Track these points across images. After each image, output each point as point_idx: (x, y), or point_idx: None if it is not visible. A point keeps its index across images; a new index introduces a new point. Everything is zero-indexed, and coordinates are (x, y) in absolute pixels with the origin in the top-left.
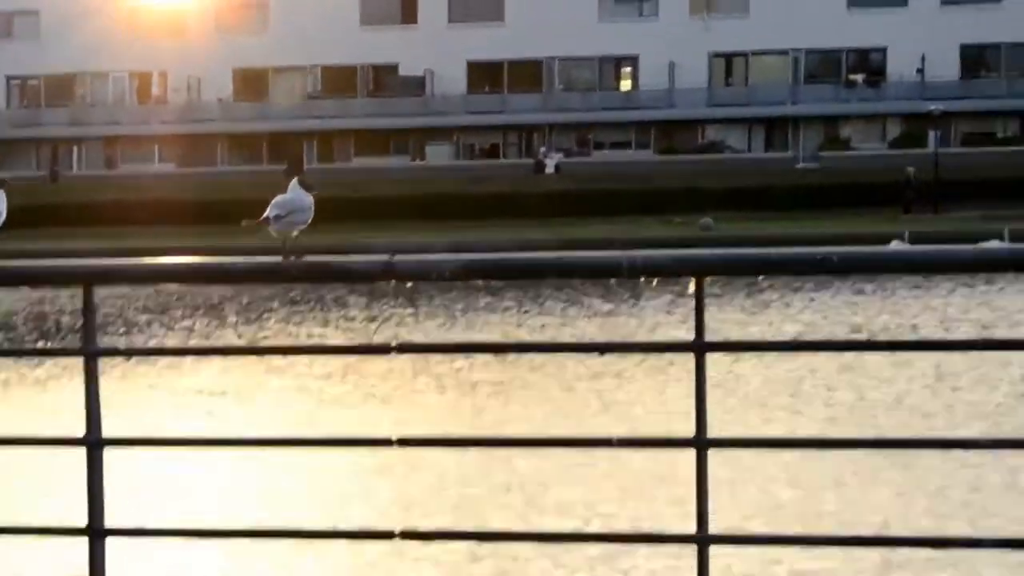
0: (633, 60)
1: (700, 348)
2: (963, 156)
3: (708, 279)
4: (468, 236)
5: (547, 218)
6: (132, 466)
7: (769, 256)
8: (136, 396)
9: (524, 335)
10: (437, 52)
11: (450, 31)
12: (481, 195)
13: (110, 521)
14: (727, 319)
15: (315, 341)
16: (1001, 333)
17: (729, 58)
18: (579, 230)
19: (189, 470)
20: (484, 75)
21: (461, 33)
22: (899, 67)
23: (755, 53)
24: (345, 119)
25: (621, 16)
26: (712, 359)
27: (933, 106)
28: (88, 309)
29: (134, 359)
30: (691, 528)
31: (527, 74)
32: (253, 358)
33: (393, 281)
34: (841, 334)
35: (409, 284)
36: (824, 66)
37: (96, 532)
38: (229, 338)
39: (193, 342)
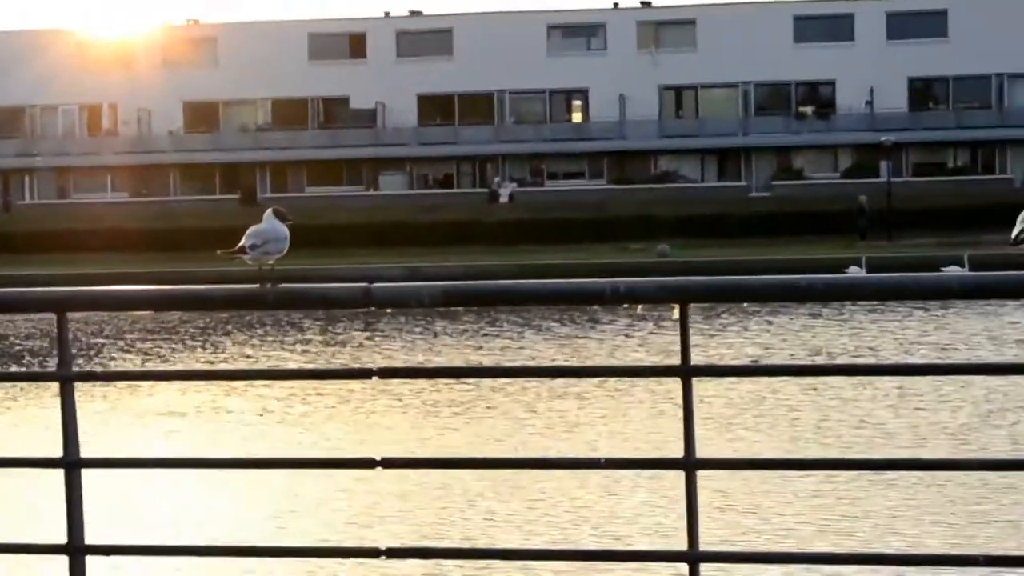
0: (583, 93)
1: (687, 373)
2: (915, 185)
3: (692, 305)
4: (423, 263)
5: (502, 246)
6: (110, 486)
7: (753, 283)
8: (100, 418)
9: (483, 358)
10: (387, 86)
11: (399, 65)
12: (436, 223)
13: (90, 539)
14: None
15: (277, 364)
16: (960, 356)
17: (678, 91)
18: (535, 258)
19: (166, 490)
20: (434, 108)
21: (410, 67)
22: (848, 99)
23: (704, 86)
24: (297, 150)
25: (570, 50)
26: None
27: (884, 137)
28: (62, 335)
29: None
30: (682, 546)
31: (477, 107)
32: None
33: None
34: (801, 355)
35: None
36: (774, 98)
37: (76, 550)
38: (190, 361)
39: (157, 365)
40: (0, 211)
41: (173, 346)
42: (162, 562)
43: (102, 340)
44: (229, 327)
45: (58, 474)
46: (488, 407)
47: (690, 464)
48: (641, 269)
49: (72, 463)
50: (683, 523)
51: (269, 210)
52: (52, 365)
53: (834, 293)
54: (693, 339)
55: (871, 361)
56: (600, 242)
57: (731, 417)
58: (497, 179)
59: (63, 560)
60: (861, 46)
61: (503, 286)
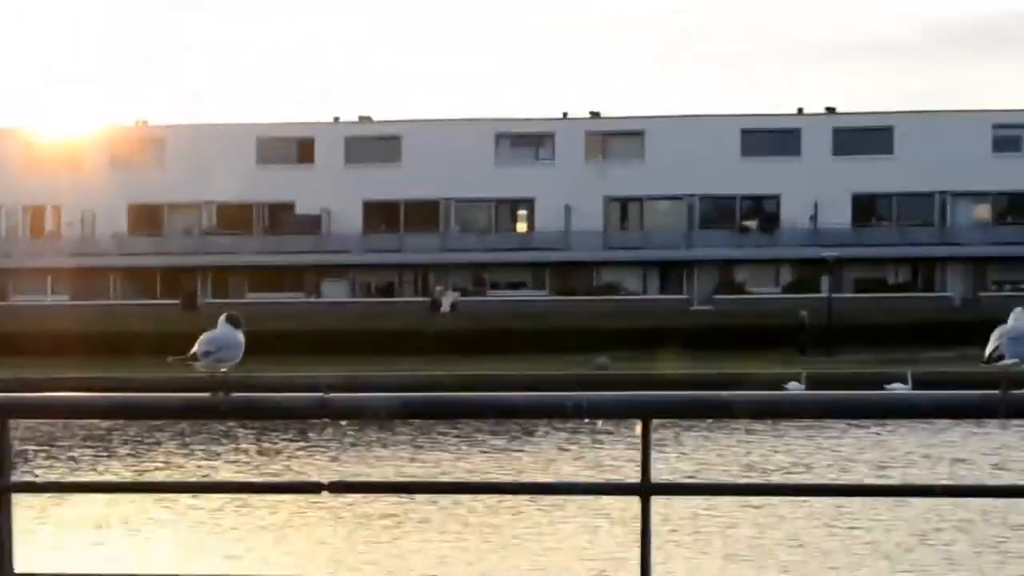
0: (529, 203)
1: (646, 491)
2: (855, 301)
3: (655, 421)
4: (362, 371)
5: (442, 355)
6: None
7: (718, 398)
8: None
9: (417, 470)
10: (333, 191)
11: (347, 171)
12: (377, 332)
13: None
14: (619, 456)
15: (208, 474)
16: (893, 471)
17: (624, 202)
18: (474, 367)
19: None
20: (380, 214)
21: (358, 173)
22: (792, 214)
23: (650, 198)
24: (240, 255)
25: (517, 160)
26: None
27: (826, 253)
28: (3, 442)
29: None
30: None
31: (423, 214)
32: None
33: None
34: (735, 471)
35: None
36: (718, 212)
37: None
38: (119, 470)
39: (87, 474)
40: None
41: (99, 454)
42: None
43: (25, 446)
44: (159, 434)
45: None
46: (420, 521)
47: None
48: (582, 382)
49: None
50: None
51: (223, 316)
52: None
53: (802, 410)
54: (624, 453)
55: (837, 482)
56: (541, 353)
57: (666, 535)
58: (439, 288)
59: None
60: (807, 160)
61: (463, 399)
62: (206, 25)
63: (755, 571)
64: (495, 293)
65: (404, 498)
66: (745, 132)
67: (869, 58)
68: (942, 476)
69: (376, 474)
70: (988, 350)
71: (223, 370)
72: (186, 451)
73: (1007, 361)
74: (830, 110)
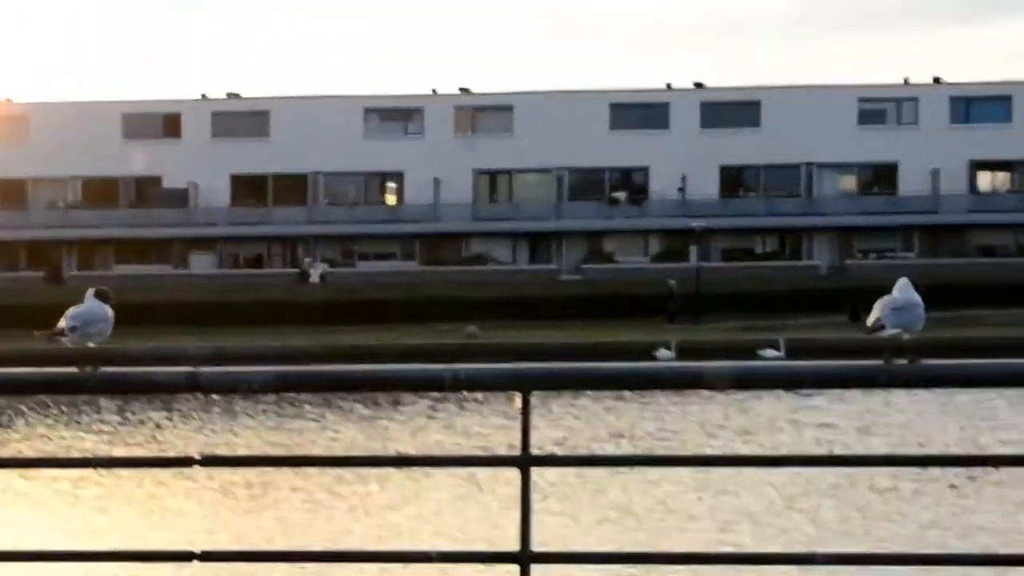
0: (398, 176)
1: (526, 462)
2: (723, 270)
3: (550, 395)
4: (230, 343)
5: (312, 326)
6: None
7: (596, 371)
8: None
9: (284, 439)
10: (201, 165)
11: (214, 145)
12: (245, 303)
13: None
14: (487, 424)
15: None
16: (761, 438)
17: (493, 175)
18: (343, 338)
19: None
20: (248, 188)
21: (225, 147)
22: (661, 186)
23: (519, 171)
24: (106, 229)
25: (387, 134)
26: None
27: (695, 223)
28: None
29: None
30: None
31: (292, 188)
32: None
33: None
34: (604, 438)
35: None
36: (587, 184)
37: None
38: None
39: None
40: None
41: None
42: None
43: None
44: (22, 405)
45: None
46: (291, 489)
47: (526, 558)
48: (452, 351)
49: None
50: None
51: (91, 290)
52: None
53: (684, 382)
54: (490, 420)
55: (713, 453)
56: (411, 323)
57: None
58: (308, 259)
59: None
60: (675, 133)
61: (338, 372)
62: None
63: (625, 536)
64: (364, 264)
65: (273, 469)
66: (614, 106)
67: (736, 34)
68: (808, 442)
69: (242, 444)
70: (870, 320)
71: (91, 345)
72: (49, 422)
73: (889, 331)
74: (698, 85)
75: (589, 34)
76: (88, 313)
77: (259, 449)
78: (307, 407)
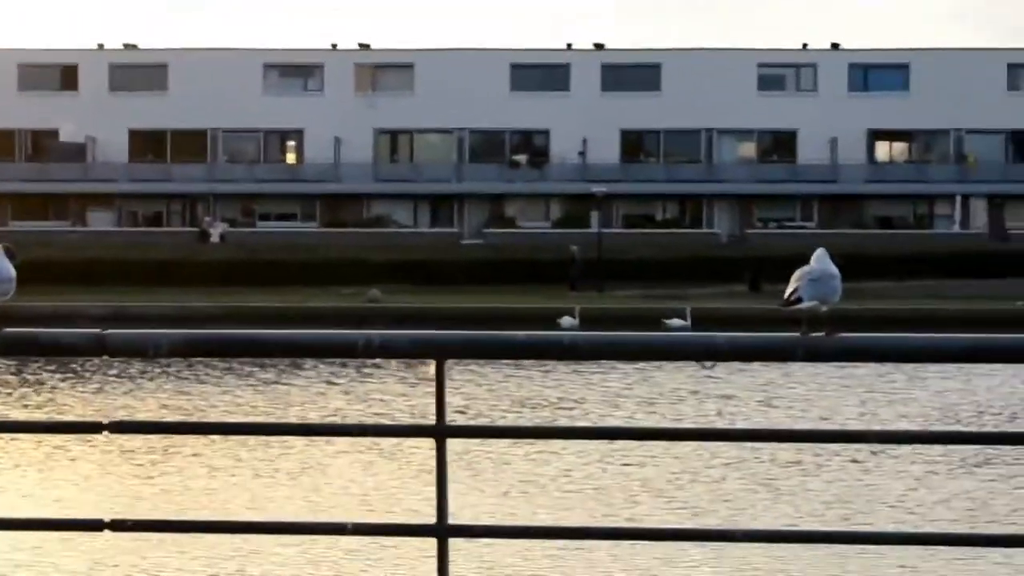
0: (298, 134)
1: (441, 433)
2: (624, 237)
3: (449, 361)
4: (130, 302)
5: (211, 286)
6: None
7: (514, 339)
8: None
9: (183, 403)
10: (99, 119)
11: (112, 99)
12: (144, 262)
13: None
14: (388, 391)
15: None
16: (662, 408)
17: (395, 135)
18: (244, 299)
19: None
20: (147, 143)
21: (123, 101)
22: (561, 149)
23: (420, 131)
24: (2, 183)
25: (286, 90)
26: None
27: (595, 188)
28: None
29: None
30: None
31: (191, 144)
32: None
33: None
34: (506, 406)
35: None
36: (488, 146)
37: None
38: None
39: None
40: None
41: None
42: None
43: None
44: None
45: None
46: (192, 455)
47: (443, 531)
48: (354, 314)
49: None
50: None
51: (1, 245)
52: None
53: (599, 352)
54: (392, 387)
55: (627, 425)
56: (311, 285)
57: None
58: (208, 218)
59: None
60: (576, 96)
61: (249, 336)
62: None
63: (530, 508)
64: (264, 224)
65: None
66: (514, 67)
67: None
68: (711, 413)
69: (141, 407)
70: (787, 292)
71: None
72: None
73: (806, 304)
74: (598, 46)
75: None
76: None
77: (160, 415)
78: (204, 370)
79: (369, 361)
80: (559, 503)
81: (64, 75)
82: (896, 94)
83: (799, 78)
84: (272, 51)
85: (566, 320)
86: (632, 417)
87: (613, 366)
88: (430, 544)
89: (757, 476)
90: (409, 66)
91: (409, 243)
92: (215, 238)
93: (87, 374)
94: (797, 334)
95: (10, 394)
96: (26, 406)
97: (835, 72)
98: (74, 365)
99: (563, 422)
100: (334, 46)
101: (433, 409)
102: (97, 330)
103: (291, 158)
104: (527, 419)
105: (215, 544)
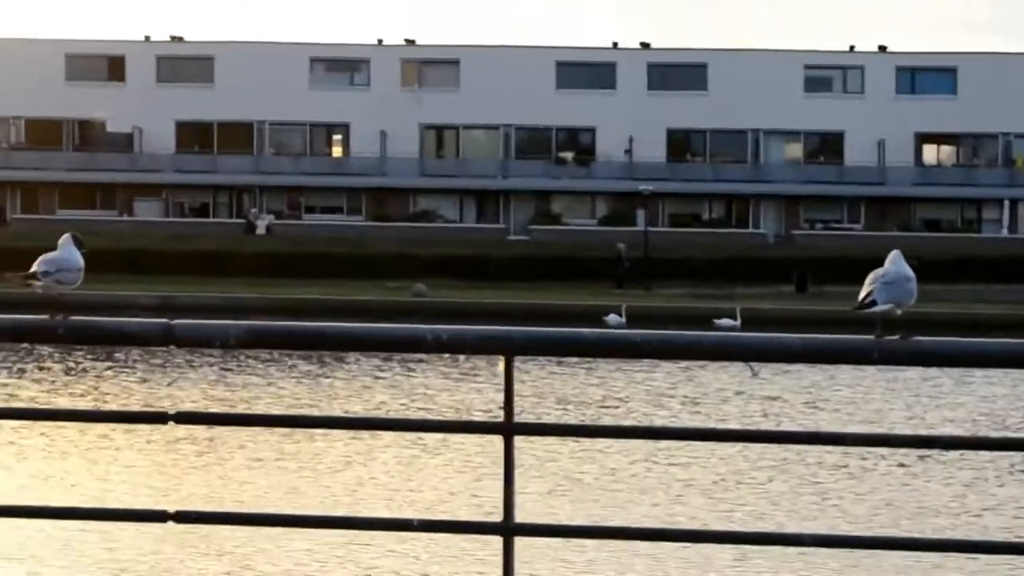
0: (344, 127)
1: (509, 430)
2: (670, 235)
3: (518, 358)
4: (176, 292)
5: (257, 278)
6: None
7: (583, 336)
8: None
9: (233, 395)
10: (145, 110)
11: (159, 90)
12: (191, 252)
13: None
14: (432, 385)
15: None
16: (707, 408)
17: (440, 130)
18: (289, 291)
19: None
20: (193, 135)
21: (170, 93)
22: (607, 147)
23: (465, 127)
24: (50, 171)
25: (332, 84)
26: None
27: (642, 186)
28: None
29: None
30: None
31: (237, 136)
32: None
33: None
34: (550, 404)
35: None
36: (534, 143)
37: None
38: None
39: None
40: None
41: None
42: None
43: None
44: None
45: None
46: (237, 448)
47: (509, 529)
48: (402, 308)
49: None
50: None
51: (67, 235)
52: None
53: (668, 350)
54: (436, 382)
55: (695, 426)
56: (356, 278)
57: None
58: (254, 210)
59: None
60: (622, 95)
61: (316, 329)
62: None
63: (580, 507)
64: (310, 217)
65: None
66: (560, 65)
67: None
68: (755, 413)
69: (184, 397)
70: (861, 295)
71: (62, 292)
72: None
73: (880, 307)
74: (644, 45)
75: None
76: (63, 259)
77: (206, 405)
78: (249, 361)
79: (411, 356)
80: (608, 502)
81: (111, 66)
82: (944, 97)
83: (846, 80)
84: (318, 45)
85: (612, 318)
86: (676, 417)
87: (657, 365)
88: (495, 542)
89: (807, 479)
90: (455, 62)
91: (455, 238)
92: (261, 230)
93: (128, 364)
94: (871, 337)
95: (53, 382)
96: (71, 395)
97: (882, 74)
98: (118, 354)
99: (608, 420)
100: (380, 41)
101: (485, 405)
102: (165, 320)
103: (337, 151)
104: (577, 417)
105: (275, 538)
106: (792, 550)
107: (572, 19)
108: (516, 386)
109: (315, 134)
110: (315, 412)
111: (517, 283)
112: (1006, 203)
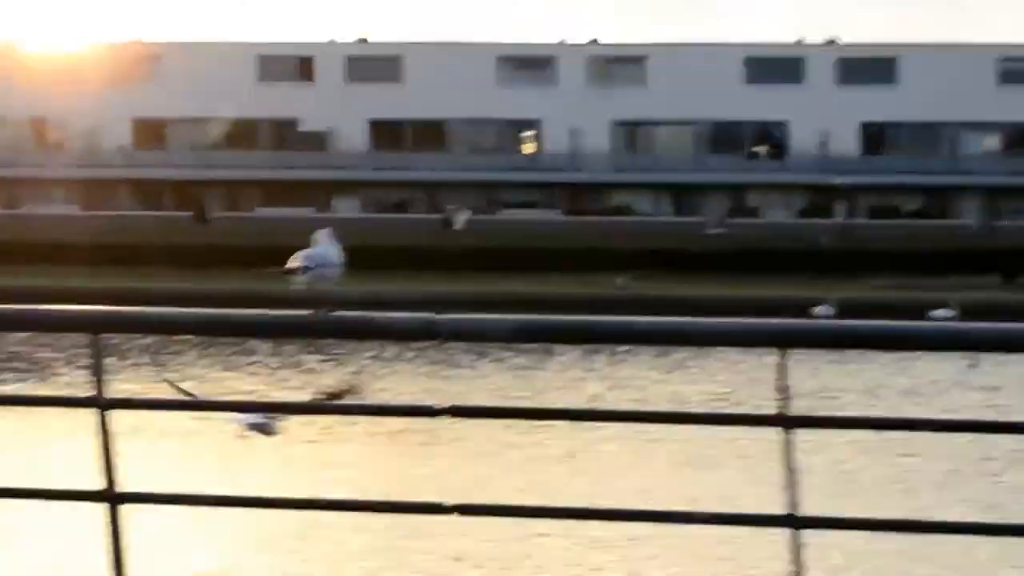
0: (534, 125)
1: (787, 423)
2: (869, 228)
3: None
4: (381, 288)
5: (456, 273)
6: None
7: (865, 329)
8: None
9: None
10: (336, 110)
11: (348, 90)
12: (389, 248)
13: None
14: (637, 375)
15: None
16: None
17: (631, 127)
18: (492, 285)
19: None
20: (386, 133)
21: (360, 92)
22: (799, 142)
23: (656, 123)
24: (247, 170)
25: (520, 83)
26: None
27: (839, 179)
28: (97, 359)
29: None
30: None
31: (429, 134)
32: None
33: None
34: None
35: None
36: (726, 138)
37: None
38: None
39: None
40: None
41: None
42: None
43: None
44: (214, 349)
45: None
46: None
47: (795, 523)
48: (605, 301)
49: (113, 497)
50: None
51: (324, 230)
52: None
53: (949, 342)
54: (641, 373)
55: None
56: (557, 273)
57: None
58: (452, 206)
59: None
60: (812, 88)
61: (583, 323)
62: None
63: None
64: (507, 213)
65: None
66: (748, 60)
67: None
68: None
69: (514, 402)
70: None
71: (322, 286)
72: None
73: None
74: (831, 41)
75: None
76: (323, 254)
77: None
78: (454, 355)
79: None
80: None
81: (301, 67)
82: None
83: None
84: (505, 45)
85: (822, 309)
86: (896, 408)
87: (866, 356)
88: (778, 535)
89: None
90: (641, 59)
91: (651, 232)
92: (459, 225)
93: (340, 357)
94: None
95: (271, 375)
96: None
97: None
98: (334, 347)
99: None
100: (563, 41)
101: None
102: (428, 314)
103: (529, 147)
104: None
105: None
106: None
107: (757, 16)
108: (731, 376)
109: (506, 131)
110: (593, 407)
111: (715, 276)
112: None
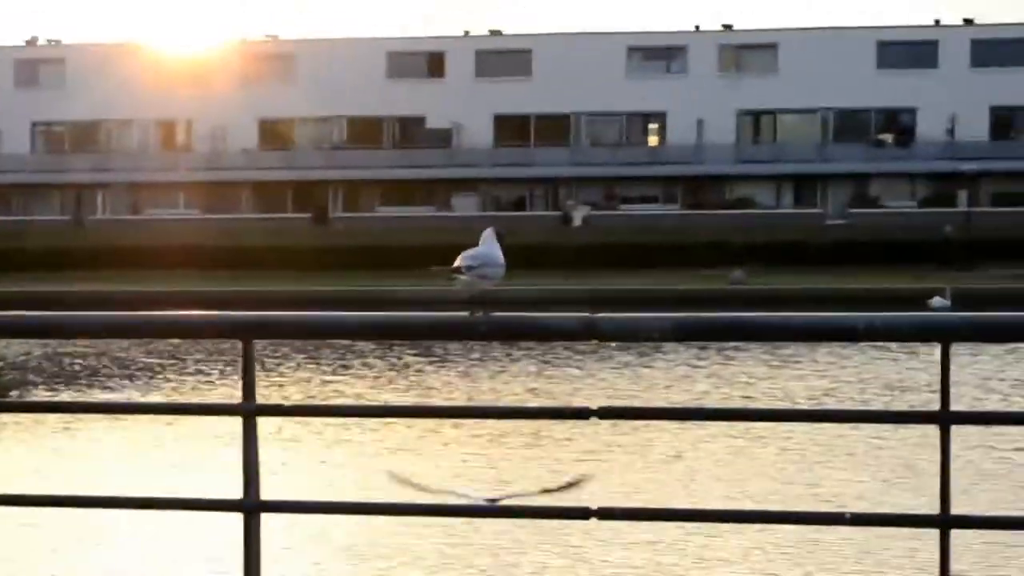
0: (661, 116)
1: (945, 420)
2: (993, 216)
3: (954, 345)
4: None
5: (575, 269)
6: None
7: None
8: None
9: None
10: (464, 105)
11: (477, 85)
12: (509, 246)
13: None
14: (736, 371)
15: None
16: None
17: (757, 115)
18: (608, 281)
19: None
20: (511, 128)
21: (488, 87)
22: (928, 127)
23: (783, 111)
24: (370, 169)
25: (649, 73)
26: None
27: (964, 166)
28: (248, 364)
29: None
30: None
31: (554, 128)
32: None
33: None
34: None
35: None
36: (853, 125)
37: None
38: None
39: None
40: (72, 226)
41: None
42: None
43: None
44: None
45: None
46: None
47: (946, 522)
48: (717, 298)
49: (253, 507)
50: None
51: (489, 230)
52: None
53: None
54: (747, 369)
55: None
56: (675, 267)
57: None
58: (571, 202)
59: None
60: (944, 72)
61: (739, 320)
62: None
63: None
64: (626, 207)
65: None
66: (881, 44)
67: None
68: None
69: (660, 402)
70: None
71: (485, 287)
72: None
73: None
74: (968, 21)
75: None
76: (487, 254)
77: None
78: (561, 353)
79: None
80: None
81: (431, 62)
82: None
83: None
84: (635, 34)
85: (937, 300)
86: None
87: (980, 350)
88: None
89: None
90: (772, 46)
91: (772, 224)
92: (577, 222)
93: (451, 357)
94: None
95: (377, 378)
96: (396, 390)
97: None
98: (434, 346)
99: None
100: (697, 27)
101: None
102: (587, 314)
103: (653, 140)
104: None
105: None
106: None
107: None
108: (836, 371)
109: (631, 124)
110: (756, 404)
111: (836, 268)
112: None
